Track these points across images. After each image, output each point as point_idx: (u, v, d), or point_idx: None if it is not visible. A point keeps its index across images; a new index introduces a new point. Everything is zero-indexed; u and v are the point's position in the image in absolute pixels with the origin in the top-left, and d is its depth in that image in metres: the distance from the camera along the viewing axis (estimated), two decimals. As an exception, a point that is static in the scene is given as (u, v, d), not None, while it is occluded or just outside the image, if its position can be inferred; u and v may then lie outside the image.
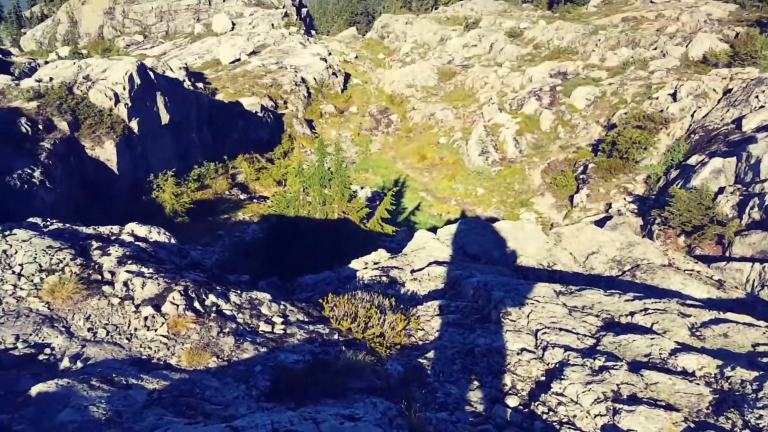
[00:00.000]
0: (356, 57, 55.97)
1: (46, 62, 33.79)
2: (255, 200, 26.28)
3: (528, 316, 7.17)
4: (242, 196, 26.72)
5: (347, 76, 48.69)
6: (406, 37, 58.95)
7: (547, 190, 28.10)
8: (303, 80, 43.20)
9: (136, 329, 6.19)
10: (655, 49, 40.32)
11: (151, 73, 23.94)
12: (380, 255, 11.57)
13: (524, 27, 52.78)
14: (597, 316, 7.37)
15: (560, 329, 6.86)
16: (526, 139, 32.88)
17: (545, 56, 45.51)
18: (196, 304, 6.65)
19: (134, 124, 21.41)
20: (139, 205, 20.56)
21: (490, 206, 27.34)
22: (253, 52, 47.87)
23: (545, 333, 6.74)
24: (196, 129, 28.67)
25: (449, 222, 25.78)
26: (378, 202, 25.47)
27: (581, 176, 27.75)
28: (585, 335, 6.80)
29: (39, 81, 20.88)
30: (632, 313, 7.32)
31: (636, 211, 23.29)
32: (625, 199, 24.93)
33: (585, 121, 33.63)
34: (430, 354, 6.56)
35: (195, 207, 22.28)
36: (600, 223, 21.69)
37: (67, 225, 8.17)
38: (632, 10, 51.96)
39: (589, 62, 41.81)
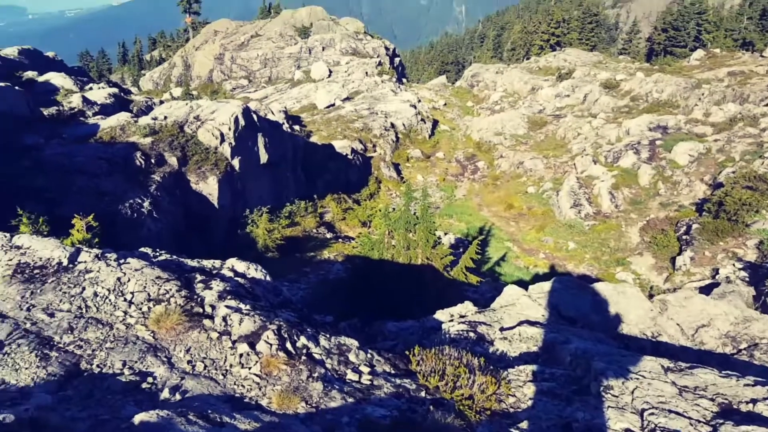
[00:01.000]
0: (445, 104, 56.83)
1: (161, 102, 37.02)
2: (341, 240, 26.81)
3: (632, 392, 6.61)
4: (329, 235, 27.37)
5: (435, 123, 49.43)
6: (495, 86, 59.18)
7: (646, 250, 26.47)
8: (392, 125, 44.32)
9: (231, 365, 6.34)
10: (767, 105, 37.71)
11: (254, 116, 25.51)
12: (466, 308, 11.27)
13: (620, 79, 51.38)
14: (712, 399, 6.66)
15: (669, 411, 6.25)
16: (623, 193, 31.43)
17: (643, 109, 43.85)
18: (288, 345, 6.74)
19: (236, 162, 22.77)
20: (234, 238, 21.60)
21: (582, 262, 26.11)
22: (347, 98, 49.90)
23: (652, 414, 6.17)
24: (291, 169, 29.99)
25: (537, 276, 24.89)
26: (462, 250, 25.14)
27: (684, 237, 25.95)
28: (699, 421, 6.15)
29: (155, 119, 22.83)
30: (754, 401, 6.54)
31: (747, 279, 21.32)
32: (734, 265, 22.93)
33: (688, 178, 31.72)
34: (523, 424, 6.18)
35: (285, 243, 23.06)
36: (706, 290, 20.03)
37: (174, 256, 8.67)
38: (739, 64, 49.21)
39: (691, 117, 39.74)
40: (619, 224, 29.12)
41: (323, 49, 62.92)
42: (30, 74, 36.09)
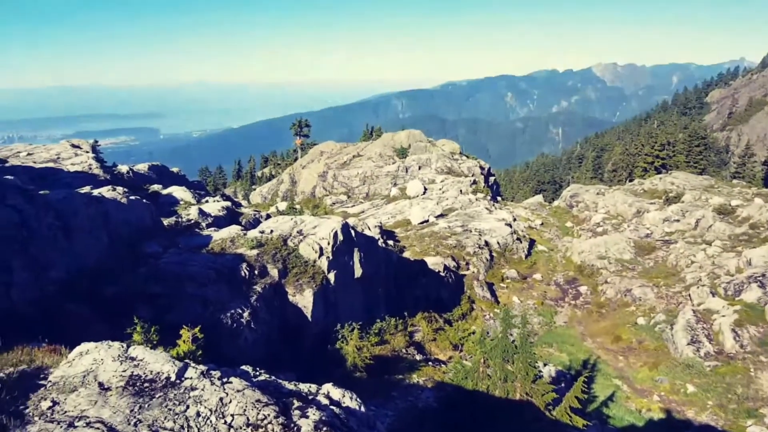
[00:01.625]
0: (542, 224, 56.04)
1: (268, 215, 39.69)
2: (430, 363, 25.85)
3: None
4: (418, 357, 26.54)
5: (532, 242, 48.50)
6: (597, 207, 57.86)
7: (783, 400, 22.96)
8: (486, 243, 44.02)
9: None
10: None
11: (351, 231, 26.46)
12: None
13: (736, 204, 48.42)
14: None
15: None
16: (749, 332, 28.16)
17: (765, 238, 40.50)
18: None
19: (331, 276, 23.34)
20: (323, 353, 21.52)
21: (704, 410, 22.99)
22: (441, 215, 50.79)
23: None
24: (383, 283, 30.20)
25: (652, 422, 22.21)
26: (564, 385, 23.22)
27: (832, 388, 22.35)
28: None
29: (262, 232, 24.31)
30: None
31: None
32: None
33: (829, 318, 27.98)
34: None
35: (373, 362, 22.56)
36: None
37: (272, 377, 8.66)
38: None
39: (828, 248, 35.96)
40: (747, 367, 25.74)
41: (419, 168, 65.70)
42: (156, 187, 40.49)
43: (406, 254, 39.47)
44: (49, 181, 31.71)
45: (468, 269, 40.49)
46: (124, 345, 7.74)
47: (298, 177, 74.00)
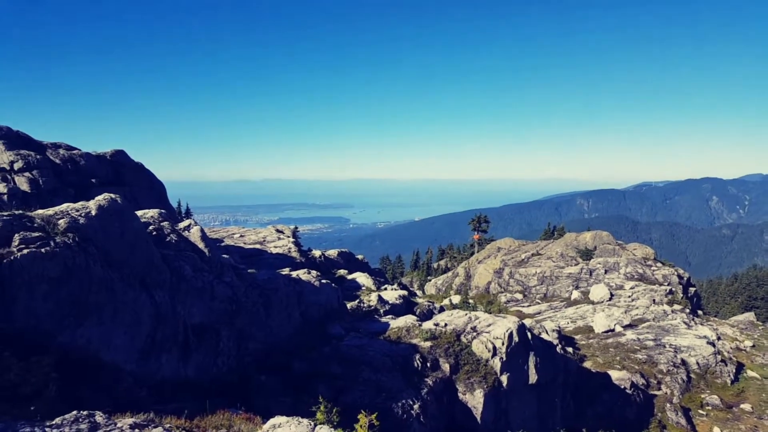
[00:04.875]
0: (753, 346, 47.55)
1: (442, 308, 40.03)
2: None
3: None
4: (597, 484, 23.54)
5: (740, 366, 41.17)
6: (835, 334, 47.53)
7: None
8: (683, 362, 38.52)
9: None
10: None
11: (528, 333, 25.37)
12: None
13: None
14: None
15: None
16: None
17: None
18: None
19: (504, 379, 22.38)
20: (490, 462, 20.33)
21: None
22: (629, 325, 46.11)
23: None
24: (560, 394, 27.97)
25: None
26: None
27: None
28: None
29: (436, 325, 24.57)
30: None
31: None
32: None
33: None
34: None
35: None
36: None
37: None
38: None
39: None
40: None
41: (605, 272, 61.32)
42: (342, 272, 43.73)
43: (587, 364, 36.32)
44: (255, 260, 36.34)
45: (659, 389, 35.64)
46: (312, 423, 8.33)
47: (473, 271, 73.96)
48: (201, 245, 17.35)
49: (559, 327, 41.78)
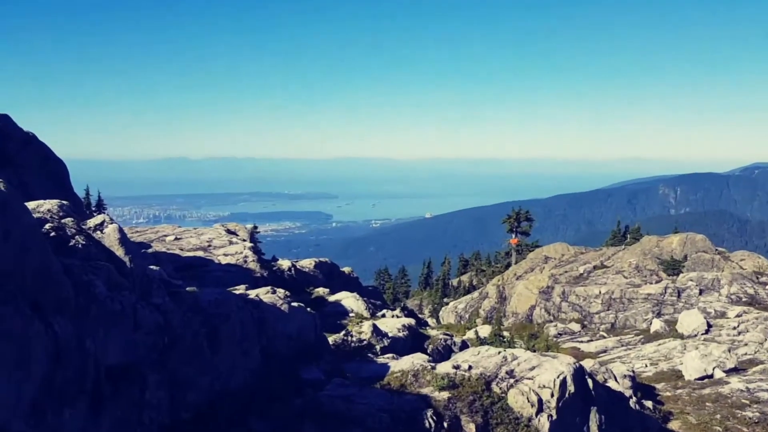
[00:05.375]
0: None
1: (465, 343, 40.27)
2: None
3: None
4: None
5: None
6: None
7: None
8: (814, 426, 38.86)
9: None
10: None
11: (588, 380, 25.50)
12: None
13: None
14: None
15: None
16: None
17: None
18: None
19: (553, 445, 22.52)
20: None
21: None
22: (734, 369, 46.40)
23: None
24: (633, 468, 28.15)
25: None
26: None
27: None
28: None
29: (456, 368, 24.68)
30: None
31: None
32: None
33: None
34: None
35: None
36: None
37: None
38: None
39: None
40: None
41: (700, 292, 61.68)
42: (321, 291, 43.94)
43: (673, 425, 36.55)
44: (196, 273, 36.46)
45: (779, 463, 35.95)
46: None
47: (509, 291, 74.35)
48: (119, 252, 17.36)
49: (634, 372, 42.04)
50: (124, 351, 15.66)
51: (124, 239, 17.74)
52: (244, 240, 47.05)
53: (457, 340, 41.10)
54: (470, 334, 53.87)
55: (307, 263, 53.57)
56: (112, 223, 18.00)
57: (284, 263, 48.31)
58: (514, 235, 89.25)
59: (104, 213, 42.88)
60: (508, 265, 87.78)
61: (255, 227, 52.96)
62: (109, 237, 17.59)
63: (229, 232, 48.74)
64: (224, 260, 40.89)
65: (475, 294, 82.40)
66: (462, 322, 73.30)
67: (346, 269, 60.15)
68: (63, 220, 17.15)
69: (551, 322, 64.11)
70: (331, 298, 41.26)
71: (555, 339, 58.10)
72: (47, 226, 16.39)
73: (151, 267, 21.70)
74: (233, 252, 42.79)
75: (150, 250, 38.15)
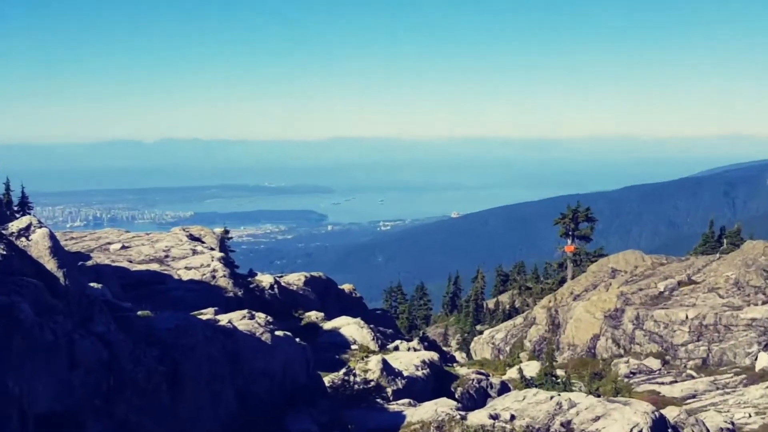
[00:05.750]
0: None
1: (504, 384, 40.22)
2: None
3: None
4: None
5: None
6: None
7: None
8: None
9: None
10: None
11: (670, 432, 25.52)
12: None
13: None
14: None
15: None
16: None
17: None
18: None
19: None
20: None
21: None
22: None
23: None
24: None
25: None
26: None
27: None
28: None
29: (494, 417, 24.68)
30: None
31: None
32: None
33: None
34: None
35: None
36: None
37: None
38: None
39: None
40: None
41: (823, 315, 61.36)
42: (313, 316, 43.88)
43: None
44: (151, 292, 36.50)
45: None
46: None
47: (563, 315, 74.13)
48: (51, 264, 17.47)
49: (734, 423, 41.95)
50: (58, 395, 15.74)
51: (56, 248, 17.82)
52: (212, 249, 47.12)
53: (495, 380, 41.03)
54: (512, 373, 53.77)
55: (294, 279, 53.59)
56: (40, 228, 18.09)
57: (265, 279, 48.32)
58: (570, 241, 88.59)
59: (30, 214, 43.17)
60: (563, 281, 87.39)
61: (226, 232, 53.17)
62: (37, 245, 17.68)
63: (192, 238, 48.83)
64: (186, 275, 40.91)
65: (519, 319, 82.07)
66: (501, 357, 73.10)
67: (347, 287, 60.18)
68: (-26, 224, 17.24)
69: (621, 356, 63.87)
70: (327, 326, 41.21)
71: (626, 380, 57.93)
72: (-44, 231, 16.50)
73: (92, 285, 21.79)
74: (198, 264, 42.82)
75: (90, 263, 38.20)
